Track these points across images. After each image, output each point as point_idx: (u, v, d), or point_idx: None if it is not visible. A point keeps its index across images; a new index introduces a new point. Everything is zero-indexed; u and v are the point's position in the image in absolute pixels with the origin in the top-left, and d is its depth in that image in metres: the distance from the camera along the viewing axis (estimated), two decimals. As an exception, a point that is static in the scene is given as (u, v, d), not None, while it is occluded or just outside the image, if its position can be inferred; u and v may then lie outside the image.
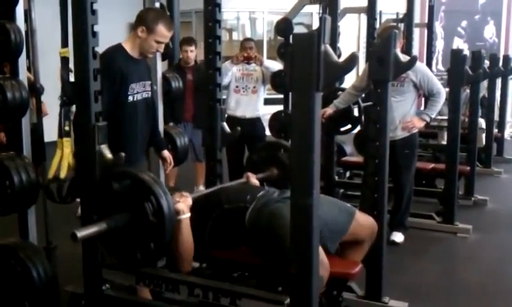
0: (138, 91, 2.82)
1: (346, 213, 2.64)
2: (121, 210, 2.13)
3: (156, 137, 3.12)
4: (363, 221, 2.70)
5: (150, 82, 2.95)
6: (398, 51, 3.93)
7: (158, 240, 2.11)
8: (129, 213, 2.12)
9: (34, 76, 2.88)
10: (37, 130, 2.80)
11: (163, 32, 2.73)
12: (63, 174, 2.64)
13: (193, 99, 4.95)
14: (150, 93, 2.94)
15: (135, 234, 2.13)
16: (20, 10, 2.56)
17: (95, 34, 2.20)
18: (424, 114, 4.10)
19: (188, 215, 2.45)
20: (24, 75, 2.55)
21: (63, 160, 2.67)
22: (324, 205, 2.51)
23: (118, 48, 2.79)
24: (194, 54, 5.05)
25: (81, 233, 1.98)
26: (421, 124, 4.08)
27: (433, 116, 4.14)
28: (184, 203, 2.44)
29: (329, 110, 4.26)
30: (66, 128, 2.68)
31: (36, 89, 2.86)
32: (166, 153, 3.17)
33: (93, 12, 2.19)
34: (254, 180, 3.05)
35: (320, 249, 2.25)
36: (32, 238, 2.57)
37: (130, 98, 2.76)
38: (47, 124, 2.87)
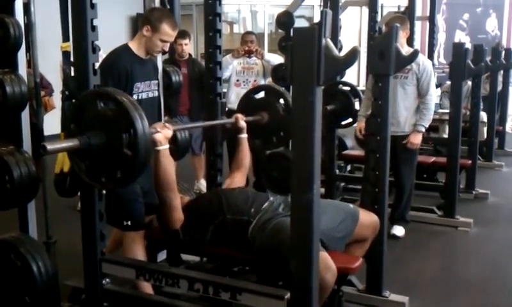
0: (143, 90, 2.82)
1: (351, 217, 2.62)
2: (99, 130, 2.01)
3: None
4: (366, 220, 2.68)
5: (156, 82, 2.96)
6: (404, 42, 3.91)
7: (127, 169, 1.98)
8: (105, 135, 1.99)
9: (33, 70, 2.87)
10: (37, 123, 2.79)
11: (167, 31, 2.75)
12: (66, 168, 2.65)
13: (188, 93, 4.93)
14: (156, 92, 2.95)
15: (107, 158, 2.02)
16: (19, 4, 2.54)
17: (94, 28, 2.20)
18: (418, 125, 4.02)
19: (166, 146, 2.44)
20: (23, 69, 2.54)
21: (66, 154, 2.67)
22: (328, 211, 2.51)
23: (124, 48, 2.81)
24: (189, 47, 5.02)
25: (52, 146, 1.92)
26: (418, 139, 4.04)
27: (427, 126, 4.07)
28: (163, 134, 2.42)
29: (362, 123, 4.12)
30: None
31: (35, 83, 2.86)
32: None
33: (92, 6, 2.19)
34: (242, 122, 3.04)
35: (327, 255, 2.24)
36: (32, 233, 2.57)
37: (135, 96, 2.77)
38: (48, 118, 2.86)
